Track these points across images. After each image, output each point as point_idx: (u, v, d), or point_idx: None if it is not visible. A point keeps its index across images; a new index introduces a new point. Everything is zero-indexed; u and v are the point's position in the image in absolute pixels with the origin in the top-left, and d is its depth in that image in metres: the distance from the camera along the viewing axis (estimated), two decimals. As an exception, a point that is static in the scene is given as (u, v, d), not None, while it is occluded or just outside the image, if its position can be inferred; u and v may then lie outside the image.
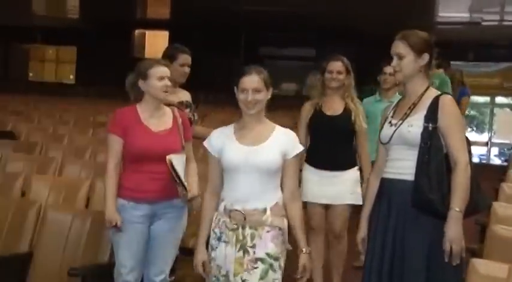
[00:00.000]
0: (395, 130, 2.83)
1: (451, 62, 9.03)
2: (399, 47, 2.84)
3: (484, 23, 12.99)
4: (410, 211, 2.74)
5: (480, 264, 2.65)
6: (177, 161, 3.19)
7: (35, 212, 3.72)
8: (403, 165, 2.81)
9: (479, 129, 17.75)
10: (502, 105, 17.53)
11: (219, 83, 16.76)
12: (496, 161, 15.64)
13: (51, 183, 4.48)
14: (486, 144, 16.64)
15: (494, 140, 16.83)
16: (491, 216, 3.71)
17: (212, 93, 14.30)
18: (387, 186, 2.87)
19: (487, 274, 2.60)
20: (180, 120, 3.36)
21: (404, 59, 2.82)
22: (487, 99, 17.34)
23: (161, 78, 3.24)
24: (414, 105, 2.84)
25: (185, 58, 4.01)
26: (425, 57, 2.82)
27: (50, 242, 3.58)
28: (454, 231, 2.66)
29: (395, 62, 2.86)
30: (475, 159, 15.02)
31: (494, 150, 16.86)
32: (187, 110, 3.95)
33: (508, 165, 6.24)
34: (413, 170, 2.73)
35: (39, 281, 3.50)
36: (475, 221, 4.15)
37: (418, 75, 2.85)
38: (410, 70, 2.83)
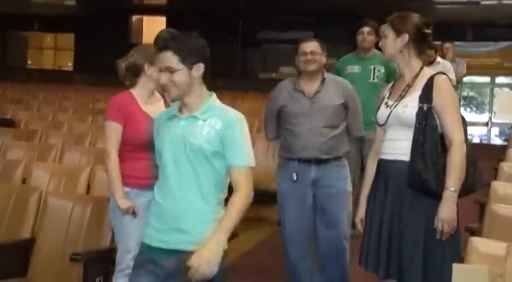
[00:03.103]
0: (391, 111, 2.84)
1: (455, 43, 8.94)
2: (384, 27, 2.94)
3: (483, 2, 12.93)
4: (407, 191, 2.76)
5: (479, 243, 2.65)
6: None
7: (37, 198, 3.73)
8: (399, 146, 2.82)
9: (479, 110, 17.73)
10: (502, 85, 17.50)
11: (217, 68, 16.78)
12: (497, 141, 15.64)
13: (51, 170, 4.49)
14: (486, 124, 16.64)
15: (494, 120, 16.81)
16: (490, 195, 3.71)
17: (211, 78, 14.27)
18: (384, 166, 2.89)
19: (485, 252, 2.60)
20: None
21: (386, 39, 2.90)
22: (487, 79, 17.30)
23: None
24: (409, 86, 2.85)
25: None
26: (405, 37, 2.85)
27: (51, 228, 3.59)
28: (446, 212, 2.69)
29: (381, 41, 2.96)
30: (476, 140, 15.04)
31: (495, 130, 16.86)
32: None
33: (507, 145, 6.24)
34: (409, 151, 2.75)
35: (42, 267, 3.52)
36: (474, 200, 4.16)
37: (400, 55, 2.88)
38: (390, 49, 2.89)
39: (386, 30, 2.90)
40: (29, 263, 3.56)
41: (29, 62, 20.34)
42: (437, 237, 2.72)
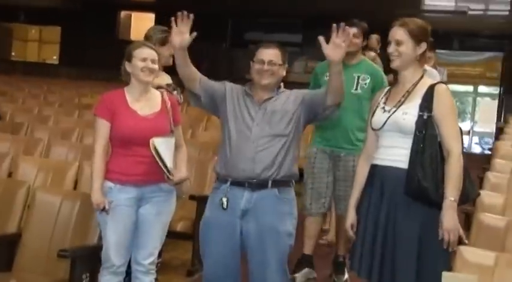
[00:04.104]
0: (389, 116, 2.84)
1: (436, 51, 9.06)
2: (398, 33, 2.85)
3: (470, 13, 13.05)
4: (403, 198, 2.77)
5: (468, 252, 2.69)
6: (163, 144, 3.19)
7: (24, 192, 3.70)
8: (396, 153, 2.83)
9: (461, 118, 17.88)
10: (484, 95, 17.66)
11: (205, 67, 16.77)
12: (478, 150, 15.78)
13: (39, 165, 4.46)
14: (468, 133, 16.78)
15: (476, 129, 16.97)
16: (477, 204, 3.76)
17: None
18: (380, 172, 2.89)
19: (474, 262, 2.64)
20: (169, 104, 3.35)
21: (403, 45, 2.83)
22: (469, 88, 17.46)
23: (144, 59, 3.23)
24: (409, 93, 2.85)
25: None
26: (423, 46, 2.85)
27: (38, 223, 3.57)
28: (450, 222, 2.71)
29: (392, 47, 2.86)
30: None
31: (476, 139, 17.01)
32: (175, 92, 3.94)
33: (492, 155, 6.31)
34: (406, 158, 2.76)
35: (28, 262, 3.49)
36: (460, 209, 4.19)
37: (414, 63, 2.87)
38: (408, 58, 2.85)
39: (401, 36, 2.83)
40: (14, 258, 3.53)
41: (13, 53, 20.13)
42: (445, 247, 2.73)
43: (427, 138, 2.74)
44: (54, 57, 19.38)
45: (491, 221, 3.36)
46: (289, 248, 3.12)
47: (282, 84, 3.21)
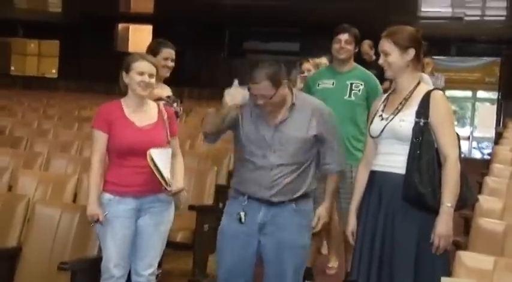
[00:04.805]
0: (387, 124, 2.87)
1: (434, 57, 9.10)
2: (384, 44, 2.89)
3: (466, 18, 13.08)
4: (400, 203, 2.79)
5: (467, 257, 2.69)
6: (160, 155, 3.20)
7: (24, 206, 3.69)
8: (394, 159, 2.84)
9: (461, 124, 17.88)
10: (483, 100, 17.68)
11: (203, 77, 16.83)
12: (477, 155, 15.77)
13: (38, 178, 4.46)
14: (468, 138, 16.77)
15: (475, 134, 16.97)
16: (475, 209, 3.76)
17: (196, 88, 14.28)
18: (378, 178, 2.90)
19: (473, 266, 2.63)
20: (165, 115, 3.37)
21: (390, 56, 2.87)
22: (468, 93, 17.47)
23: (141, 73, 3.25)
24: (406, 100, 2.87)
25: (168, 52, 4.02)
26: (411, 52, 2.86)
27: (38, 236, 3.56)
28: (444, 228, 2.73)
29: (382, 59, 2.91)
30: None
31: (475, 145, 17.00)
32: (175, 104, 3.96)
33: (490, 159, 6.31)
34: (404, 164, 2.78)
35: (29, 276, 3.49)
36: (459, 214, 4.20)
37: (406, 70, 2.89)
38: (397, 66, 2.87)
39: (388, 47, 2.87)
40: (15, 271, 3.53)
41: (12, 68, 20.18)
42: (433, 252, 2.75)
43: (423, 145, 2.76)
44: (53, 71, 19.43)
45: (489, 225, 3.36)
46: (306, 260, 3.19)
47: (292, 94, 3.06)
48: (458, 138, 2.88)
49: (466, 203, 2.88)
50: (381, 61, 2.91)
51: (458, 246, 3.47)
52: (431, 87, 2.92)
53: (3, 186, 4.54)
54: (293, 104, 3.03)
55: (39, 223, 3.61)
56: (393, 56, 2.86)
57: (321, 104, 3.16)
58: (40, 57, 20.45)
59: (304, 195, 3.08)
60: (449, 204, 2.73)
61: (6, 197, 3.93)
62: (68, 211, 3.63)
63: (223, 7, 13.65)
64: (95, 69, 14.96)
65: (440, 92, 2.88)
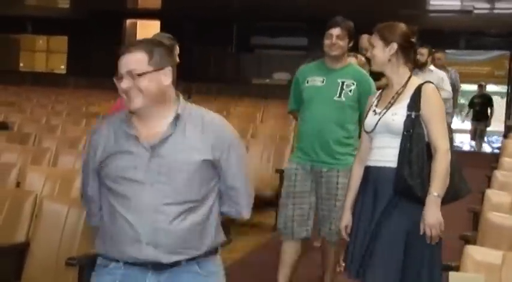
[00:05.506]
0: (380, 119, 2.91)
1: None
2: (372, 37, 2.99)
3: (475, 11, 13.02)
4: (393, 196, 2.83)
5: (474, 251, 2.68)
6: None
7: (32, 202, 3.71)
8: (387, 153, 2.88)
9: (470, 117, 17.79)
10: (492, 93, 17.60)
11: (211, 72, 16.83)
12: (488, 149, 15.71)
13: (46, 174, 4.47)
14: (478, 132, 16.68)
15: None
16: (484, 203, 3.75)
17: (204, 83, 14.29)
18: (373, 173, 2.95)
19: (482, 261, 2.63)
20: None
21: (375, 48, 2.95)
22: (478, 87, 17.39)
23: None
24: (398, 94, 2.92)
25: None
26: (394, 46, 2.91)
27: (46, 232, 3.57)
28: (431, 217, 2.75)
29: (369, 51, 3.02)
30: (467, 147, 15.10)
31: (485, 138, 16.91)
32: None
33: (500, 153, 6.28)
34: (396, 158, 2.81)
35: (37, 271, 3.50)
36: (467, 208, 4.19)
37: (389, 64, 2.94)
38: (379, 60, 2.95)
39: (374, 40, 2.95)
40: (23, 267, 3.54)
41: (21, 64, 20.28)
42: (428, 242, 2.78)
43: (414, 137, 2.80)
44: (62, 67, 19.50)
45: (498, 219, 3.34)
46: None
47: (179, 101, 2.15)
48: (451, 130, 2.92)
49: (458, 194, 2.90)
50: (368, 54, 3.03)
51: (466, 240, 3.46)
52: (422, 81, 2.96)
53: (12, 182, 4.56)
54: (178, 115, 2.11)
55: (46, 219, 3.61)
56: (377, 48, 2.94)
57: (221, 119, 2.22)
58: (49, 53, 20.55)
59: (211, 252, 2.17)
60: (435, 194, 2.76)
61: (14, 193, 3.95)
62: (75, 207, 3.63)
63: (231, 2, 13.65)
64: (103, 64, 14.91)
65: (432, 85, 2.92)
